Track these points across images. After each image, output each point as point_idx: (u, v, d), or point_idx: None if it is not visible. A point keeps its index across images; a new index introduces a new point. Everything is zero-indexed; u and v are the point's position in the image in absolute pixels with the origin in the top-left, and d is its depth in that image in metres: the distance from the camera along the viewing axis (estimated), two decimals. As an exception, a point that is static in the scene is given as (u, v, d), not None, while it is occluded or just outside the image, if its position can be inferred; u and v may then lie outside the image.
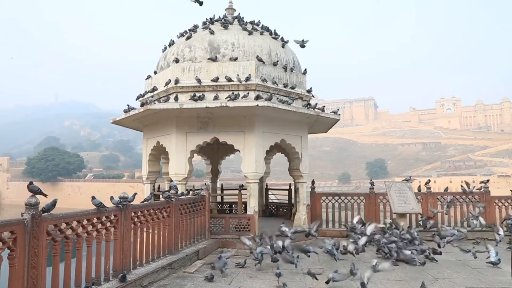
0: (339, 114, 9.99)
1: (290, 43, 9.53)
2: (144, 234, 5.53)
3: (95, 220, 4.54)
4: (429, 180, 10.22)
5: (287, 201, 10.88)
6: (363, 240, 6.56)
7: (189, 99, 7.78)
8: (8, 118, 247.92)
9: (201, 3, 2.67)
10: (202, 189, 7.73)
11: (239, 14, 9.56)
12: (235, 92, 7.71)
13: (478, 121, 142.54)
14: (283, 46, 9.20)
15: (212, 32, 8.64)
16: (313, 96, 9.55)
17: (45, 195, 4.07)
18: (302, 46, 8.72)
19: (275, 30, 9.42)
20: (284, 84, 8.61)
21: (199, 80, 8.03)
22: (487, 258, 6.41)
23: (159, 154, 9.52)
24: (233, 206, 11.30)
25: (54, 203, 3.98)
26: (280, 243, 6.21)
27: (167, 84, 8.27)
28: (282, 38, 9.41)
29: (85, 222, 4.38)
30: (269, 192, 12.13)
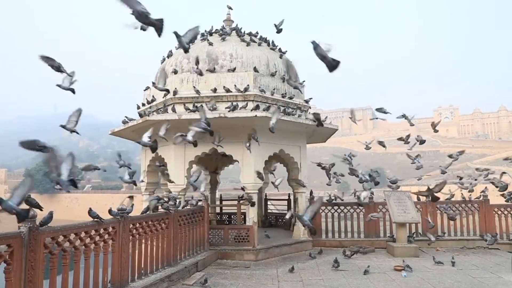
0: (337, 125, 10.06)
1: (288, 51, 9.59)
2: (143, 246, 5.48)
3: (93, 232, 4.50)
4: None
5: (286, 212, 10.82)
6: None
7: (188, 110, 7.80)
8: (9, 130, 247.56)
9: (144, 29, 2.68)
10: (200, 200, 7.70)
11: (237, 25, 9.65)
12: (234, 103, 7.73)
13: (476, 129, 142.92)
14: (281, 57, 9.26)
15: (210, 44, 8.71)
16: (310, 107, 9.58)
17: (41, 209, 4.02)
18: (278, 31, 8.05)
19: (273, 41, 9.50)
20: (282, 94, 8.65)
21: (197, 91, 8.06)
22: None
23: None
24: (232, 217, 11.24)
25: (50, 216, 3.94)
26: None
27: (165, 95, 8.29)
28: (280, 48, 9.48)
29: (83, 234, 4.34)
30: (268, 203, 12.09)
